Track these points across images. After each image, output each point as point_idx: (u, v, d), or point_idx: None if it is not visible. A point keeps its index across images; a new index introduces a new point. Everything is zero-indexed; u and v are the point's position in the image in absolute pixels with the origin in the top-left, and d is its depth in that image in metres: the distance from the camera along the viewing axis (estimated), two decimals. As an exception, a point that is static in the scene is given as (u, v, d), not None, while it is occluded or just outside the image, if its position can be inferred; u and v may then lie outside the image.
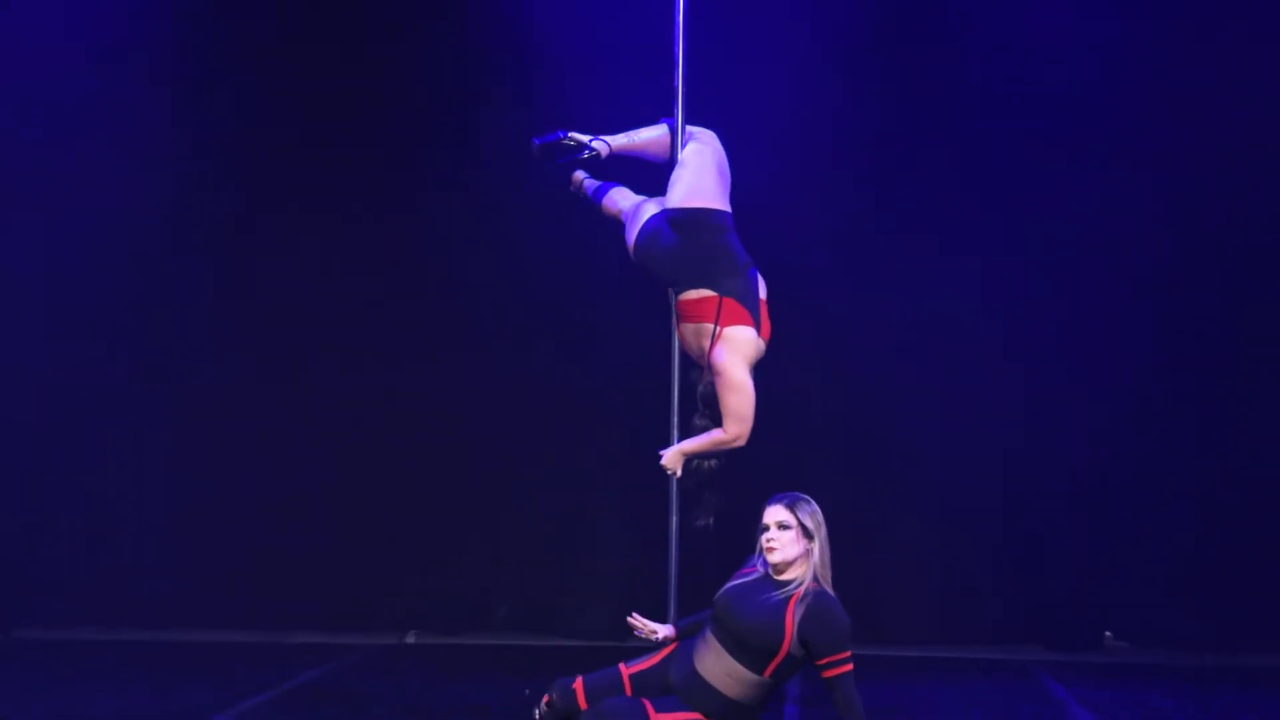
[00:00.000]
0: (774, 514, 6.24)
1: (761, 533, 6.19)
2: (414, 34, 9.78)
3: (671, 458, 6.84)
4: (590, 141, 6.93)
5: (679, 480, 6.87)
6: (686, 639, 6.38)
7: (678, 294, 6.87)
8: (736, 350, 6.90)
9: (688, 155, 7.06)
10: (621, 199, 7.18)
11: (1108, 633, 9.66)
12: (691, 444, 6.82)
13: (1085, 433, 9.62)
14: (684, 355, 7.04)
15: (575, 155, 6.94)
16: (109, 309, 9.86)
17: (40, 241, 9.83)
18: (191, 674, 8.48)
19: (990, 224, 9.67)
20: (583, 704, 6.28)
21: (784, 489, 6.34)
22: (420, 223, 9.85)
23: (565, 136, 6.89)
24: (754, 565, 6.25)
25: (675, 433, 6.93)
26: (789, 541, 6.14)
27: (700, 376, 6.95)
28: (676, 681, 6.20)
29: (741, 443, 6.81)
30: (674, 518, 6.92)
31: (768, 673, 6.11)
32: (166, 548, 9.77)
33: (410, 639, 9.71)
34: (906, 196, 9.67)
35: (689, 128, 7.03)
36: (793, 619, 6.06)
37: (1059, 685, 8.36)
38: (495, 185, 9.62)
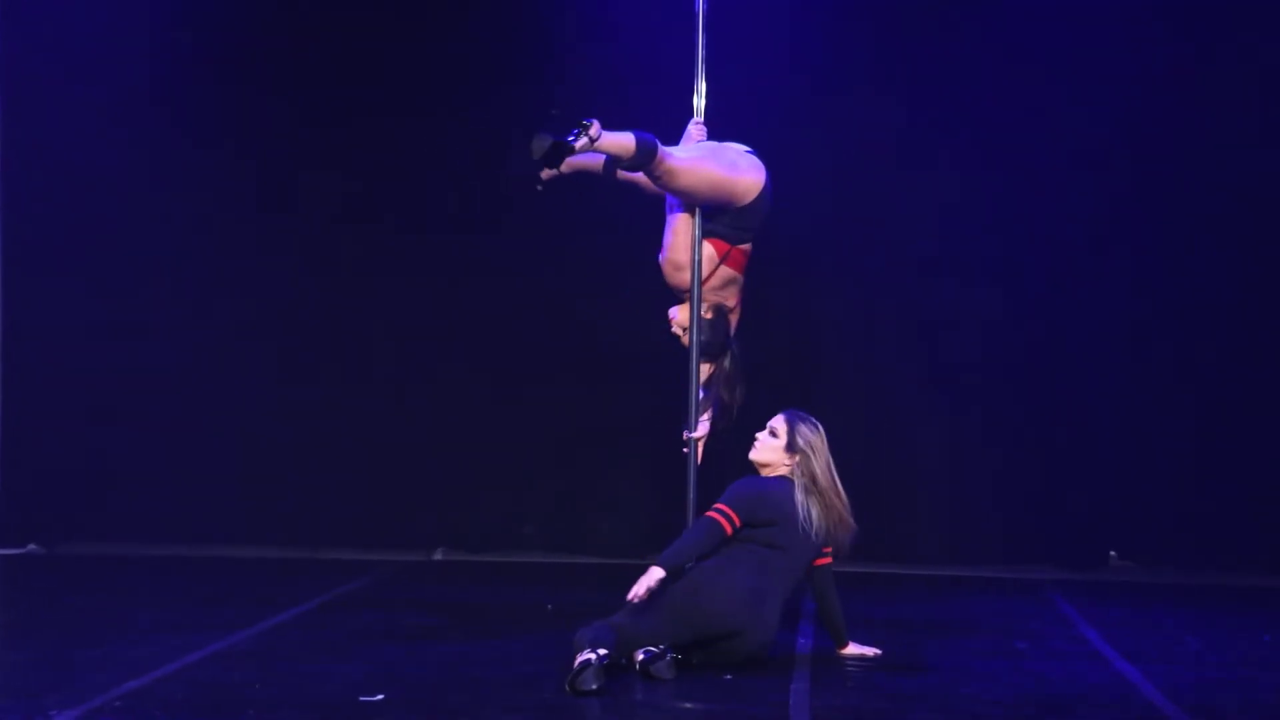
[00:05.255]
0: (774, 420, 6.62)
1: None
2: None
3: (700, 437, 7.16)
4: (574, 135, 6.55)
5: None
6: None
7: (740, 243, 7.08)
8: None
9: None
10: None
11: (1113, 552, 9.69)
12: (706, 426, 7.16)
13: (1092, 354, 9.58)
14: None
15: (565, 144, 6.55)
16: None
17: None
18: (233, 586, 8.53)
19: (987, 135, 9.57)
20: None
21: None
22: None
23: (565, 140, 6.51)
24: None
25: (694, 371, 7.13)
26: (768, 448, 6.57)
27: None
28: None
29: None
30: (691, 439, 7.19)
31: None
32: (204, 469, 9.83)
33: (438, 555, 9.82)
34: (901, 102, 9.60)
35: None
36: None
37: (1067, 603, 8.36)
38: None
